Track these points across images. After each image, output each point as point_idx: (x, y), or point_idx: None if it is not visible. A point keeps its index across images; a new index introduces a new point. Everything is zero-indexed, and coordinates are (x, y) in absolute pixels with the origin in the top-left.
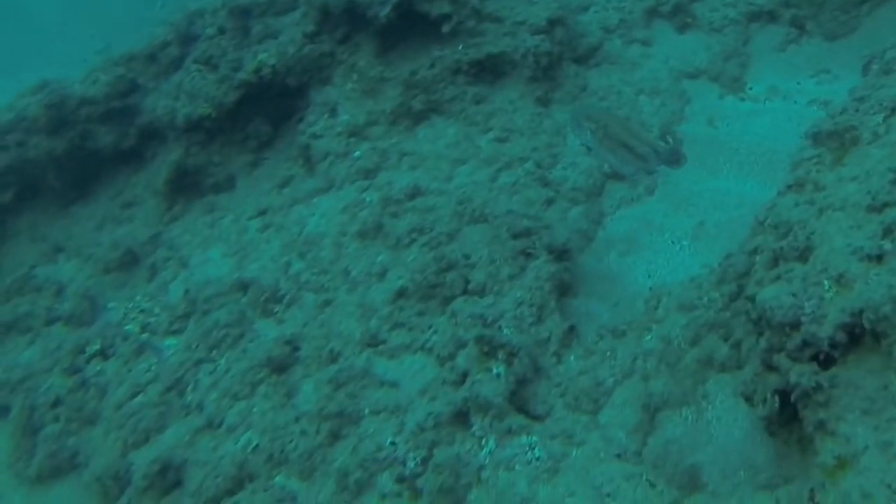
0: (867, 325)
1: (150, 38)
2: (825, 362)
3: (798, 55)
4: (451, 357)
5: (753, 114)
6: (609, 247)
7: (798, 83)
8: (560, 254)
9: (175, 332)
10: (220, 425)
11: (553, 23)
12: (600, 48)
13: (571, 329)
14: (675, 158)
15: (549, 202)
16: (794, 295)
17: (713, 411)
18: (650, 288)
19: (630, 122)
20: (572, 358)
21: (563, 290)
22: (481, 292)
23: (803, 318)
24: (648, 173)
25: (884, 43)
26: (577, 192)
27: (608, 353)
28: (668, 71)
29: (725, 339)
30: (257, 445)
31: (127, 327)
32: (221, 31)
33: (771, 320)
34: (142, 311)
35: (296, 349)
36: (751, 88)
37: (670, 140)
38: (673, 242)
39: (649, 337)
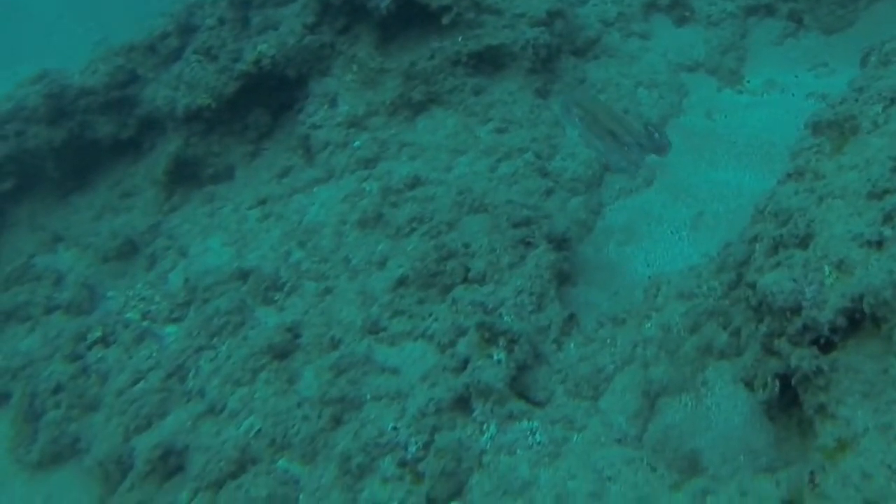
0: (867, 310)
1: (149, 28)
2: (825, 346)
3: (795, 49)
4: (452, 344)
5: (751, 106)
6: (608, 237)
7: (796, 76)
8: (560, 243)
9: (175, 320)
10: (221, 411)
11: (552, 15)
12: (599, 41)
13: (571, 317)
14: (659, 147)
15: (549, 192)
16: (794, 280)
17: (712, 398)
18: (649, 277)
19: (617, 112)
20: (572, 345)
21: (563, 278)
22: (481, 280)
23: (804, 303)
24: (632, 164)
25: (881, 37)
26: (576, 182)
27: (608, 341)
28: (667, 64)
29: (725, 327)
30: (260, 430)
31: (127, 315)
32: (221, 21)
33: (772, 305)
34: (142, 299)
35: (297, 336)
36: (748, 81)
37: (654, 132)
38: (672, 232)
39: (649, 325)
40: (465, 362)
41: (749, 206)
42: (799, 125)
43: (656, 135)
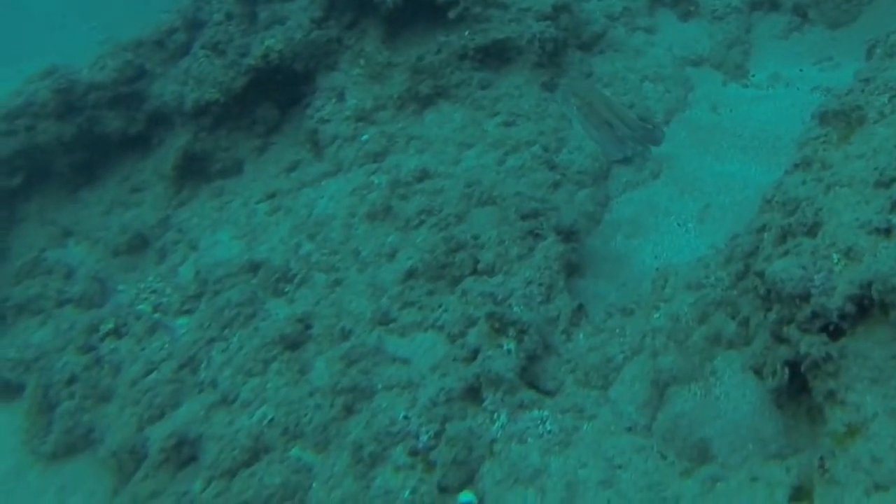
0: (875, 297)
1: (157, 24)
2: (834, 333)
3: (800, 43)
4: (462, 334)
5: (756, 100)
6: (615, 229)
7: (801, 70)
8: (568, 235)
9: (187, 312)
10: (234, 401)
11: (558, 9)
12: (605, 35)
13: (580, 308)
14: (653, 139)
15: (556, 185)
16: (803, 268)
17: (721, 387)
18: (657, 269)
19: (614, 103)
20: (581, 335)
21: (571, 270)
22: (490, 272)
23: (813, 290)
24: (627, 156)
25: (886, 30)
26: (583, 175)
27: (617, 331)
28: (672, 58)
29: (733, 317)
30: (272, 419)
31: (139, 307)
32: (229, 16)
33: (781, 293)
34: (153, 291)
35: (308, 327)
36: (754, 76)
37: (649, 124)
38: (679, 225)
39: (657, 315)
40: (476, 352)
41: (755, 198)
42: (804, 118)
43: (650, 126)
